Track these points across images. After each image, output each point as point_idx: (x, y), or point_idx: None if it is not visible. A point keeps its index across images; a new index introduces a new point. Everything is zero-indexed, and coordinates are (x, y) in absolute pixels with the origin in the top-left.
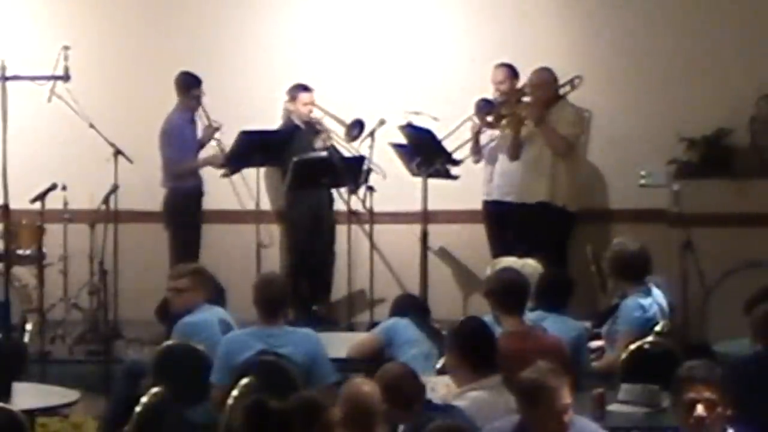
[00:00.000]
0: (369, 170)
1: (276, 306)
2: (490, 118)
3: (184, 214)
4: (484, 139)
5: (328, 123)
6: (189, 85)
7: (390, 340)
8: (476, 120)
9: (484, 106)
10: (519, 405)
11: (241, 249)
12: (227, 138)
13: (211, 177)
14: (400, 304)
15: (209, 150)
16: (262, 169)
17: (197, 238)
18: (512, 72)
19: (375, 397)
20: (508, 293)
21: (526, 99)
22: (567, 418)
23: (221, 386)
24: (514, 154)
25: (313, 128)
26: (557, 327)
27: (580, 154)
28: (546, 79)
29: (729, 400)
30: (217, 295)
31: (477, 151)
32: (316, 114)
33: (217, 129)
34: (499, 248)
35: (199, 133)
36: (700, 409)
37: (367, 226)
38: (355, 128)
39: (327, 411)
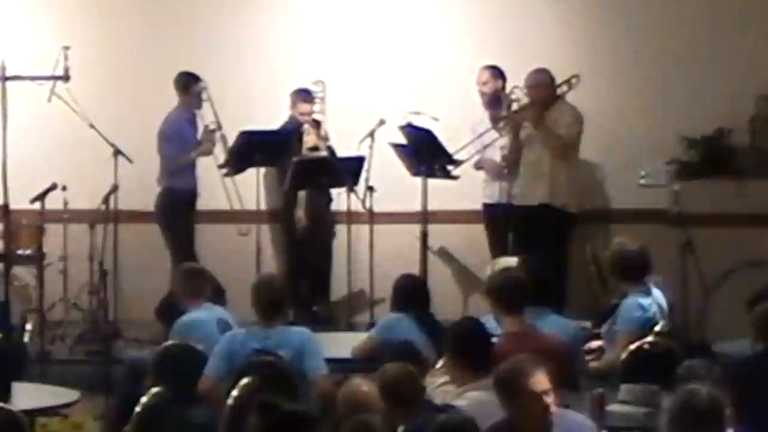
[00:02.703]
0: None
1: (274, 307)
2: (502, 125)
3: (174, 214)
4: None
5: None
6: (188, 83)
7: (387, 340)
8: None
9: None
10: (501, 401)
11: (240, 249)
12: (227, 138)
13: (210, 177)
14: (401, 287)
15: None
16: (262, 169)
17: (190, 239)
18: (498, 72)
19: (374, 397)
20: (508, 293)
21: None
22: (549, 400)
23: (211, 379)
24: (513, 159)
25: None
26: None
27: (580, 155)
28: (543, 80)
29: (729, 399)
30: (217, 295)
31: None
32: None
33: (214, 131)
34: (500, 251)
35: (200, 133)
36: None
37: (367, 226)
38: None
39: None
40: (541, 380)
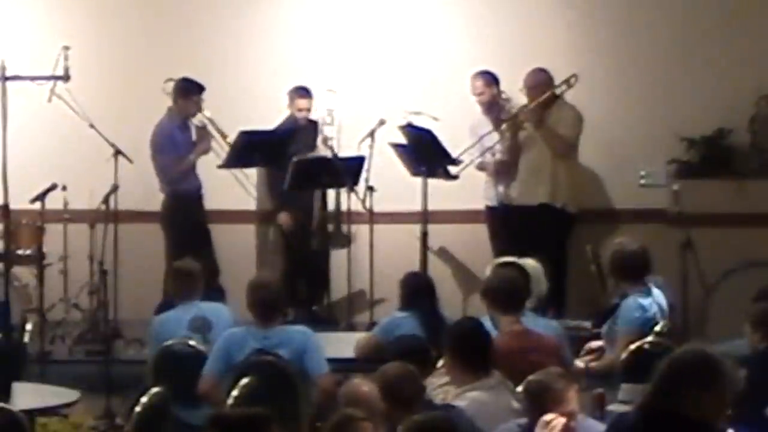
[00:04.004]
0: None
1: (269, 309)
2: (504, 127)
3: (184, 217)
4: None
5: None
6: (190, 90)
7: (390, 338)
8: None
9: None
10: (525, 406)
11: (241, 249)
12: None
13: (211, 177)
14: (407, 285)
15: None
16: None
17: (200, 241)
18: (491, 78)
19: (374, 397)
20: (504, 292)
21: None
22: (572, 424)
23: (210, 378)
24: (513, 161)
25: (314, 131)
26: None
27: (581, 154)
28: (542, 80)
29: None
30: (217, 295)
31: (480, 161)
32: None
33: (205, 127)
34: (501, 251)
35: (193, 136)
36: None
37: (367, 226)
38: None
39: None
40: (570, 401)
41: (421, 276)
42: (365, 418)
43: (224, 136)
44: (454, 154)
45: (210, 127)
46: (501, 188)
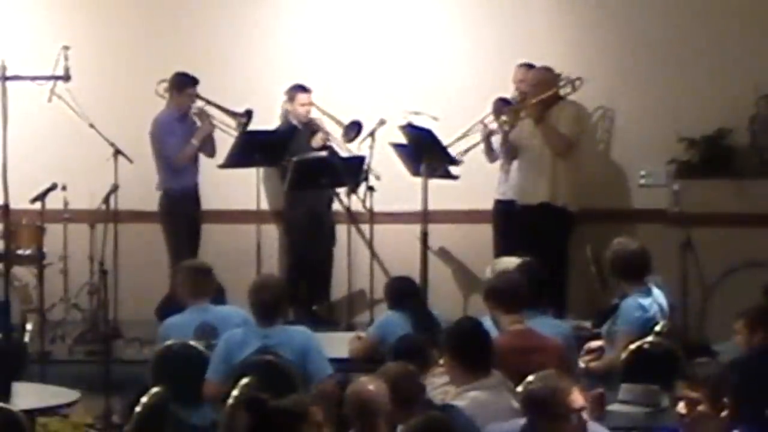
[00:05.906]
0: (368, 170)
1: (271, 309)
2: (504, 117)
3: (181, 214)
4: (497, 140)
5: (327, 123)
6: (184, 83)
7: (383, 337)
8: (487, 123)
9: (502, 106)
10: (531, 414)
11: (241, 249)
12: (227, 138)
13: (211, 176)
14: (393, 289)
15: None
16: (262, 169)
17: (196, 238)
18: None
19: (380, 395)
20: (507, 293)
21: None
22: (585, 415)
23: (214, 383)
24: (511, 155)
25: (311, 128)
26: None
27: (581, 154)
28: (545, 78)
29: (730, 400)
30: (217, 295)
31: (490, 152)
32: (315, 114)
33: (202, 108)
34: (504, 248)
35: (195, 123)
36: (680, 406)
37: (367, 226)
38: (353, 129)
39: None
40: (578, 397)
41: (404, 279)
42: (314, 402)
43: (226, 111)
44: (453, 154)
45: (207, 108)
46: (511, 181)
